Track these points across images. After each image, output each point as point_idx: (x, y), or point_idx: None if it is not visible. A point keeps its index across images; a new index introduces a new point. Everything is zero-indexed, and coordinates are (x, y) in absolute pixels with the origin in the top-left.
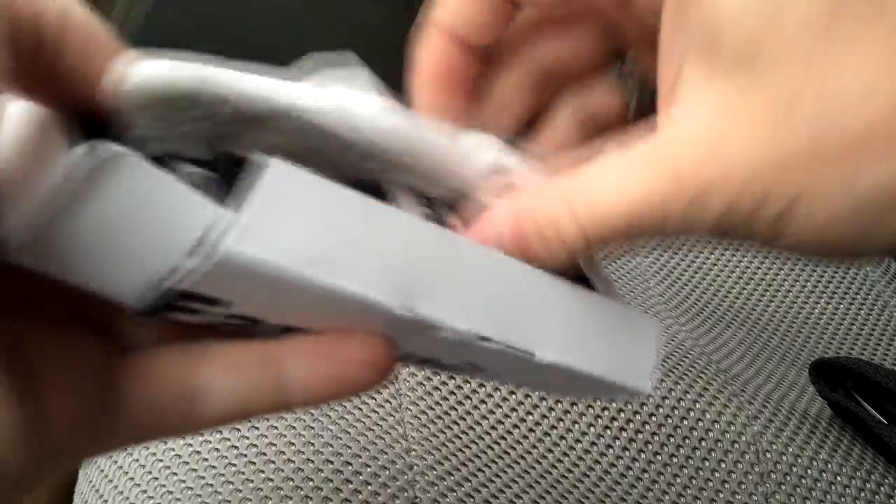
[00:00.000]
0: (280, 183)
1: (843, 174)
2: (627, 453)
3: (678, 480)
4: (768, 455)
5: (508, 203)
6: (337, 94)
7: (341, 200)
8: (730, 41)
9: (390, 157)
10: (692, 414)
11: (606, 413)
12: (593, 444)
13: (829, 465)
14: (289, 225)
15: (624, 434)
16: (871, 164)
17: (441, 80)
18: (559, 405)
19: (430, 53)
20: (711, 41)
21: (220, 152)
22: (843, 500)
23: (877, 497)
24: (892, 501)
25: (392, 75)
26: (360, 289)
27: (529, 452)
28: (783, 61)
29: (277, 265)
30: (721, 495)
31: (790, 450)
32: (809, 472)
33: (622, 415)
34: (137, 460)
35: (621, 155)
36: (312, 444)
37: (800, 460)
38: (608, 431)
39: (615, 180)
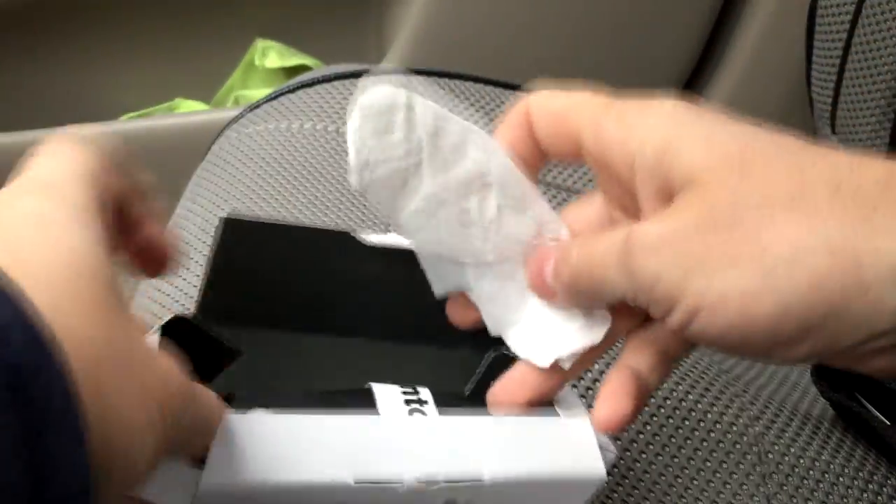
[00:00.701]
0: (231, 430)
1: (750, 257)
2: (629, 454)
3: (679, 482)
4: (770, 456)
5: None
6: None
7: (287, 424)
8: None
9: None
10: (694, 415)
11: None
12: None
13: (832, 467)
14: (244, 453)
15: (625, 435)
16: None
17: None
18: None
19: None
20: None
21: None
22: (845, 501)
23: (879, 498)
24: (894, 502)
25: None
26: (310, 476)
27: None
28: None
29: (234, 482)
30: (722, 496)
31: (792, 451)
32: (812, 473)
33: None
34: None
35: (609, 234)
36: None
37: (802, 461)
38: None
39: (606, 238)
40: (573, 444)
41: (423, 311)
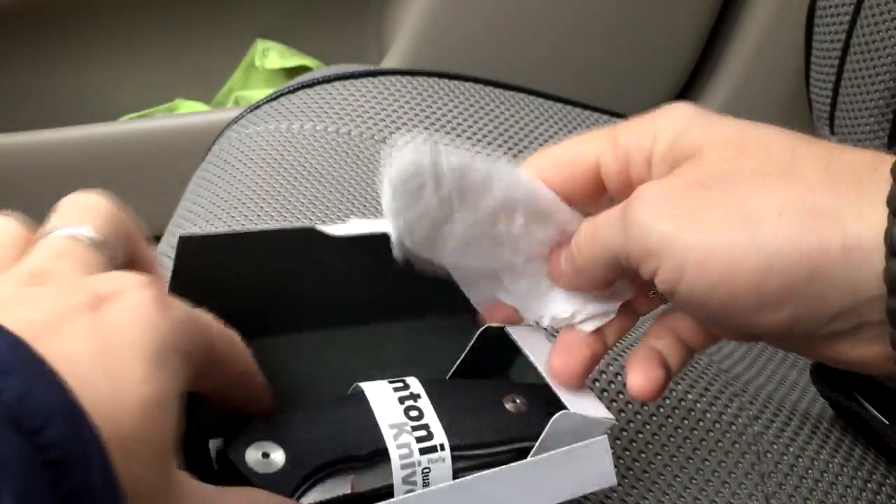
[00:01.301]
0: None
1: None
2: (628, 454)
3: (678, 481)
4: (769, 455)
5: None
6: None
7: None
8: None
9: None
10: (693, 414)
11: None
12: None
13: (831, 466)
14: None
15: (625, 434)
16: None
17: None
18: None
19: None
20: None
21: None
22: (844, 500)
23: (878, 498)
24: (893, 502)
25: None
26: None
27: None
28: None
29: None
30: (721, 496)
31: (791, 450)
32: (810, 472)
33: (623, 416)
34: None
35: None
36: None
37: (801, 461)
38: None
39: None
40: (592, 467)
41: (393, 291)
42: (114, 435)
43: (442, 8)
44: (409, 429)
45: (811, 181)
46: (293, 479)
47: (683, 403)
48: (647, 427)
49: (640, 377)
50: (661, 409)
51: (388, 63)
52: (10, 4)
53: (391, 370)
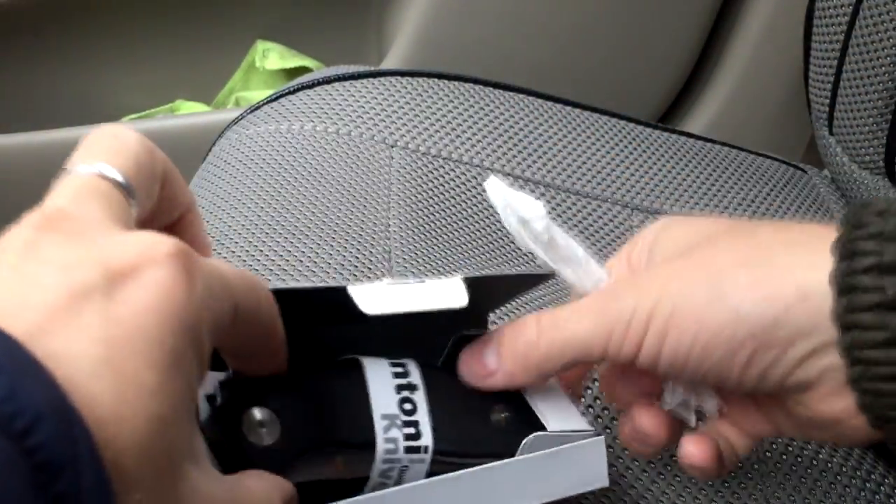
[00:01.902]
0: None
1: (698, 278)
2: (627, 453)
3: (678, 481)
4: (768, 455)
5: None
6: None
7: None
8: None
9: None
10: None
11: (607, 413)
12: None
13: (830, 466)
14: None
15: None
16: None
17: None
18: None
19: None
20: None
21: None
22: (843, 500)
23: (877, 497)
24: (892, 502)
25: None
26: None
27: None
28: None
29: None
30: (721, 496)
31: (790, 450)
32: (810, 472)
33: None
34: None
35: (579, 303)
36: None
37: (800, 461)
38: (609, 432)
39: (573, 305)
40: (586, 466)
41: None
42: (113, 454)
43: (442, 9)
44: (400, 423)
45: (769, 243)
46: (285, 458)
47: None
48: None
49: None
50: None
51: (389, 64)
52: (10, 4)
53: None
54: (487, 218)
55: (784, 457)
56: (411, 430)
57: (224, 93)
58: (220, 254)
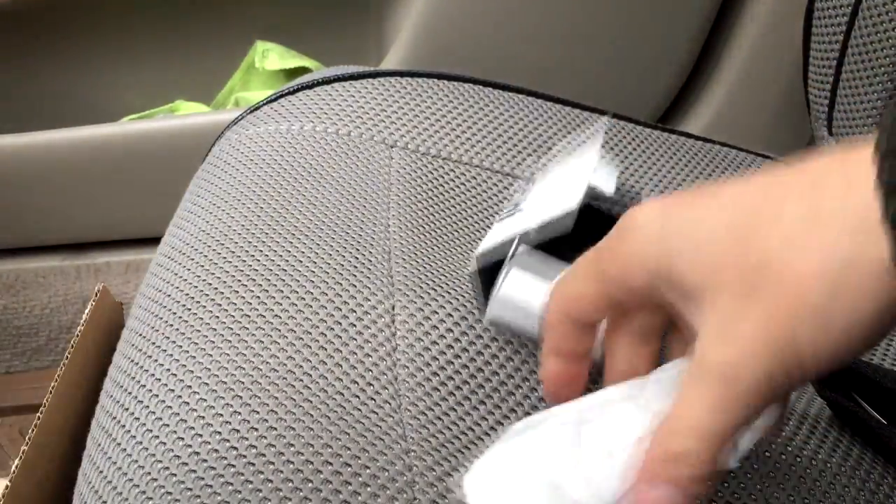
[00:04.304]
0: None
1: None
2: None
3: None
4: (768, 455)
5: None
6: None
7: None
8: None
9: None
10: None
11: None
12: None
13: (829, 466)
14: None
15: None
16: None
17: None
18: None
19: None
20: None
21: None
22: (842, 500)
23: (876, 497)
24: (891, 501)
25: None
26: None
27: None
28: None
29: None
30: (720, 496)
31: (789, 450)
32: (809, 472)
33: None
34: (136, 461)
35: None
36: (312, 445)
37: (799, 461)
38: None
39: (689, 407)
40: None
41: None
42: None
43: (441, 9)
44: None
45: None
46: None
47: None
48: None
49: None
50: None
51: (388, 64)
52: (10, 5)
53: None
54: (487, 218)
55: (783, 456)
56: None
57: (224, 93)
58: (219, 254)
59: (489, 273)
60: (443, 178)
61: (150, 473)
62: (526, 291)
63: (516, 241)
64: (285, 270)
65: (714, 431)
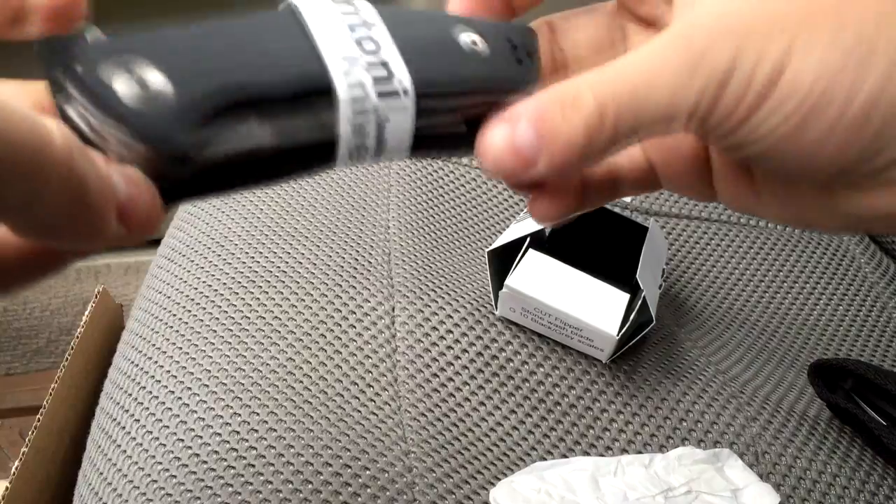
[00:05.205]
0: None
1: (831, 27)
2: (627, 454)
3: None
4: (767, 456)
5: (536, 95)
6: None
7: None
8: None
9: None
10: (691, 415)
11: (606, 414)
12: (592, 445)
13: (828, 466)
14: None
15: (623, 436)
16: (857, 19)
17: None
18: (559, 406)
19: None
20: None
21: None
22: (841, 500)
23: (876, 498)
24: (890, 502)
25: None
26: None
27: (529, 454)
28: None
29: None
30: None
31: (789, 451)
32: (808, 472)
33: (621, 416)
34: (136, 462)
35: (639, 48)
36: (312, 447)
37: (799, 461)
38: (608, 433)
39: (633, 60)
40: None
41: None
42: None
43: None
44: (365, 64)
45: None
46: (186, 117)
47: (681, 404)
48: (646, 428)
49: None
50: (660, 410)
51: None
52: None
53: None
54: (487, 220)
55: (782, 458)
56: (381, 73)
57: None
58: (219, 255)
59: (501, 264)
60: (442, 179)
61: (149, 475)
62: (537, 279)
63: (528, 239)
64: (285, 272)
65: (646, 110)
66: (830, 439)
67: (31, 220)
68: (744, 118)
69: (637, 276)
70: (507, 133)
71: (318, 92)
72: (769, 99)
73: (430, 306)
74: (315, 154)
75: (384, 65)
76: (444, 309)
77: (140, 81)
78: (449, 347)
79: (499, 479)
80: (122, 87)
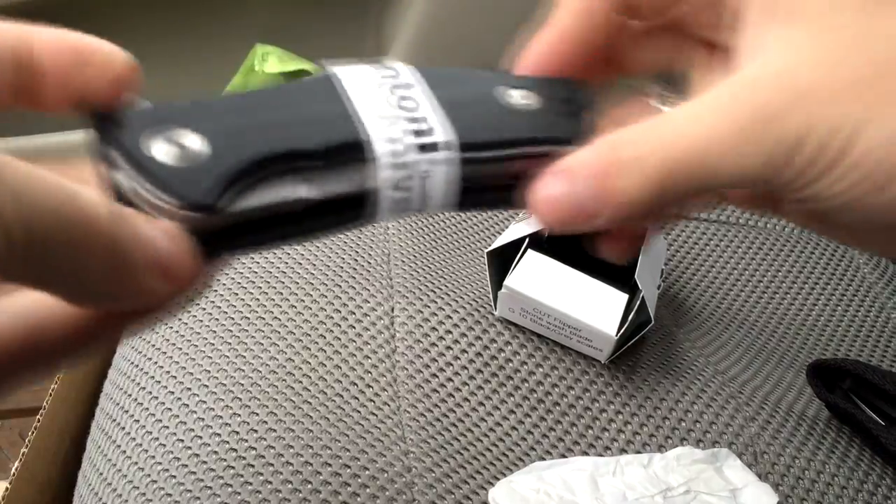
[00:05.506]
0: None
1: None
2: (626, 454)
3: None
4: (766, 456)
5: (594, 145)
6: None
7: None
8: None
9: None
10: (690, 415)
11: (605, 414)
12: (591, 445)
13: (827, 467)
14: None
15: (622, 436)
16: None
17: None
18: (559, 406)
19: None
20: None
21: None
22: (840, 500)
23: (874, 498)
24: (889, 502)
25: None
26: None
27: (527, 454)
28: (839, 6)
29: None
30: None
31: (788, 451)
32: (807, 473)
33: (620, 416)
34: (136, 463)
35: (700, 98)
36: (311, 447)
37: (797, 461)
38: (606, 433)
39: (696, 114)
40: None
41: None
42: None
43: (441, 11)
44: (403, 120)
45: None
46: (220, 174)
47: (680, 404)
48: (645, 428)
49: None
50: (659, 410)
51: None
52: (11, 7)
53: None
54: (487, 220)
55: (781, 458)
56: (420, 127)
57: None
58: None
59: (500, 264)
60: None
61: (149, 475)
62: (535, 279)
63: (527, 239)
64: (285, 273)
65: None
66: (829, 439)
67: (78, 288)
68: (811, 182)
69: (636, 276)
70: (565, 188)
71: (353, 146)
72: (839, 167)
73: (429, 307)
74: (354, 209)
75: (423, 120)
76: (444, 309)
77: (179, 145)
78: (448, 348)
79: (498, 479)
80: (162, 151)
